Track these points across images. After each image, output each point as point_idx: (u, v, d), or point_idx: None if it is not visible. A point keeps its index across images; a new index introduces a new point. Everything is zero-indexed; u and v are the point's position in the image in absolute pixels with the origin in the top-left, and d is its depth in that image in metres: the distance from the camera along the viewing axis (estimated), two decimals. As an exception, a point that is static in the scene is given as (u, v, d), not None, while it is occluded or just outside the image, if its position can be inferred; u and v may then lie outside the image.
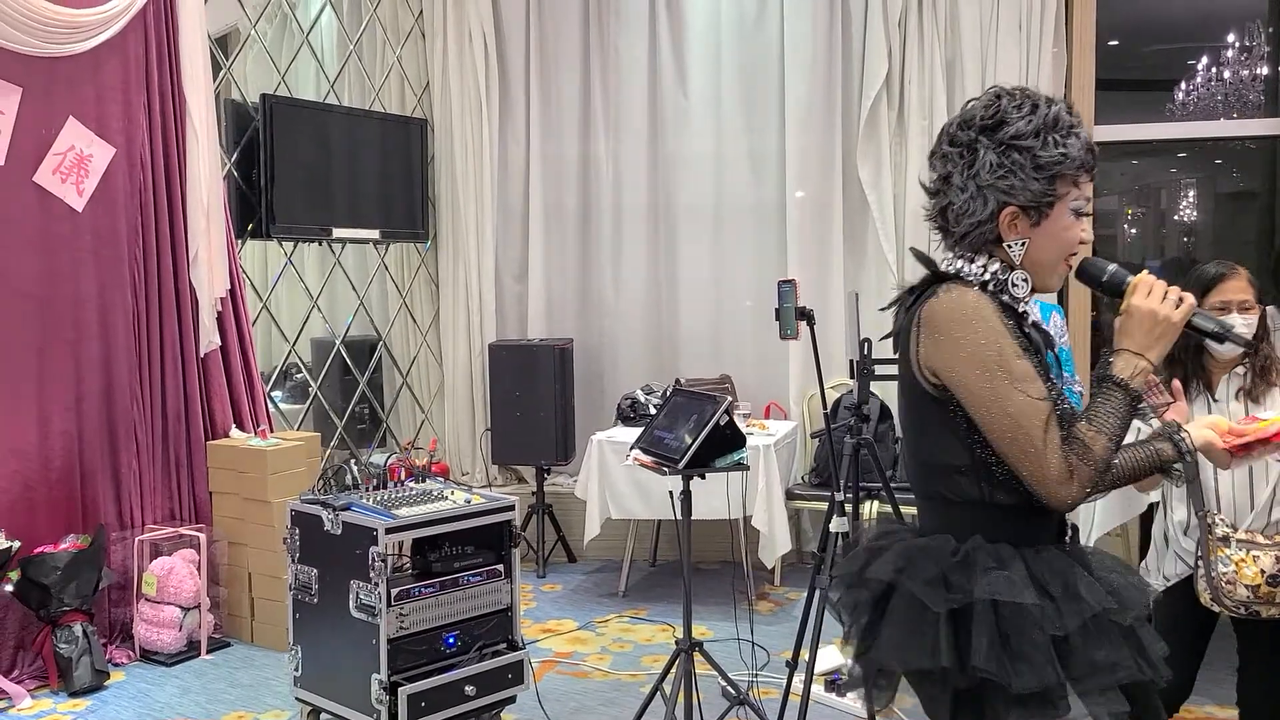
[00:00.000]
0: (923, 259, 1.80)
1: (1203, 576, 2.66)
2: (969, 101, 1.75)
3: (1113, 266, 1.78)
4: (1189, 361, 2.79)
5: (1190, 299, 1.69)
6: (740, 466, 3.29)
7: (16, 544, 3.94)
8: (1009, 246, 1.70)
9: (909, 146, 5.52)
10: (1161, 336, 1.68)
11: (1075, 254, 1.76)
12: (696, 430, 3.21)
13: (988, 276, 1.72)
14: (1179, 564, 2.82)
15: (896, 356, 1.80)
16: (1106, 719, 1.60)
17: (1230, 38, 5.94)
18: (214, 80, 4.85)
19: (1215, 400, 2.79)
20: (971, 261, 1.73)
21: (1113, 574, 1.71)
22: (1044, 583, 1.63)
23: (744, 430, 3.50)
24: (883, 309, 1.94)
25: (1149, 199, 6.79)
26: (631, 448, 3.45)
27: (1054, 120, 1.67)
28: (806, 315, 3.17)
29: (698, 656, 3.43)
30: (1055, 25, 5.32)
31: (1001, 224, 1.70)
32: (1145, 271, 1.74)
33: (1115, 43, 5.82)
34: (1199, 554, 2.67)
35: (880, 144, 5.55)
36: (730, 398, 3.36)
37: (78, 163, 4.30)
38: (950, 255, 1.77)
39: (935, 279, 1.75)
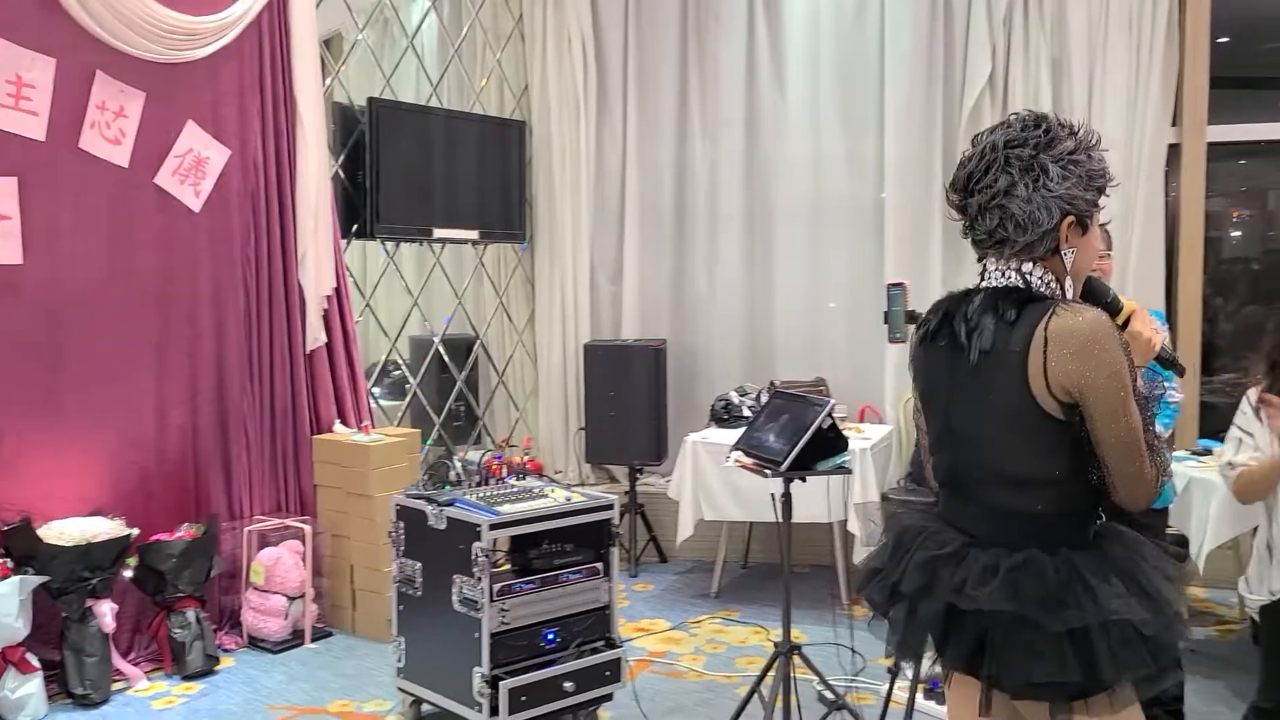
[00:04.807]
0: (1024, 279, 1.88)
1: None
2: (996, 126, 1.89)
3: (1112, 290, 1.98)
4: None
5: (1165, 332, 1.95)
6: (842, 470, 3.27)
7: (135, 531, 4.09)
8: (1065, 254, 1.85)
9: (1012, 148, 5.41)
10: (1148, 358, 1.92)
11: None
12: (799, 433, 3.19)
13: (1046, 289, 1.85)
14: None
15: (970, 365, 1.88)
16: (1174, 688, 1.92)
17: (1351, 34, 5.72)
18: (322, 84, 4.99)
19: None
20: (1031, 274, 1.86)
21: (1161, 561, 1.87)
22: (1126, 585, 1.79)
23: (843, 433, 3.48)
24: (925, 314, 2.03)
25: (1256, 201, 6.56)
26: (732, 449, 3.45)
27: (1090, 136, 1.86)
28: (915, 318, 3.12)
29: (795, 659, 3.42)
30: (1168, 22, 5.18)
31: (1062, 233, 1.83)
32: (1131, 301, 1.97)
33: (1226, 40, 5.64)
34: None
35: (982, 145, 5.45)
36: (832, 400, 3.34)
37: (196, 165, 4.46)
38: (1004, 265, 1.88)
39: (1025, 298, 1.85)
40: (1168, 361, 2.06)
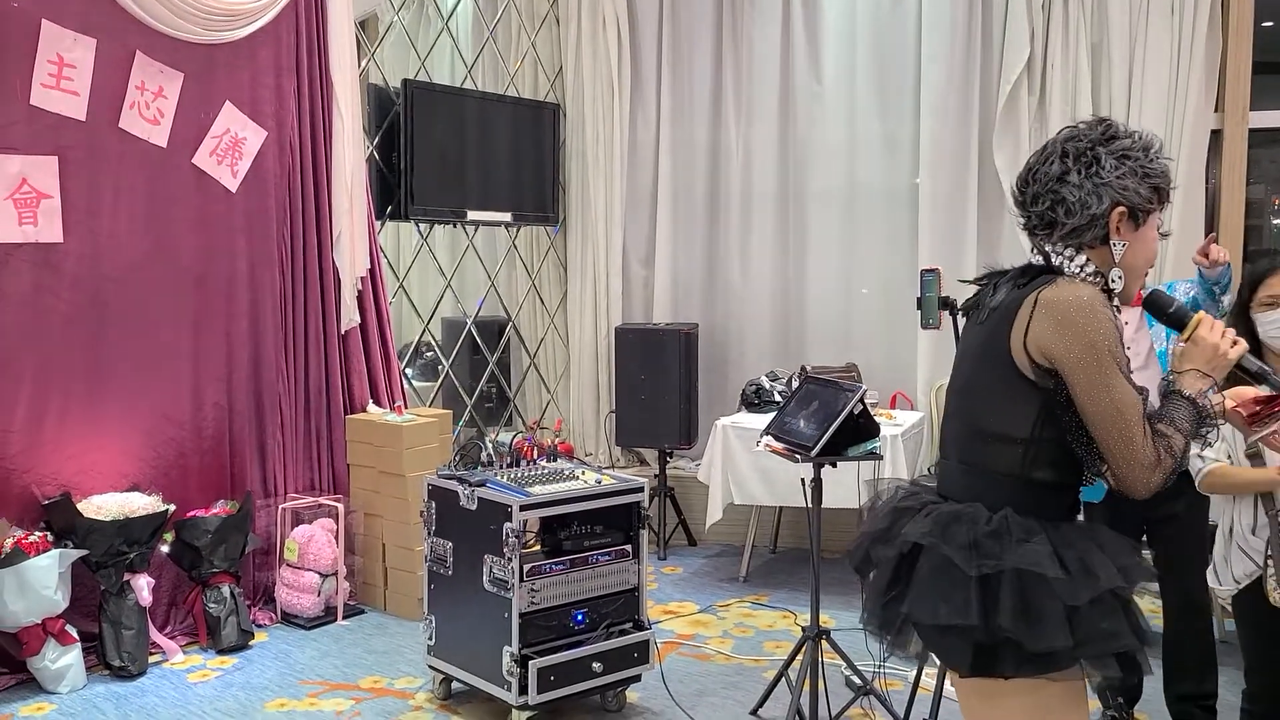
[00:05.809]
0: (1042, 254, 1.97)
1: (1273, 575, 2.67)
2: (1064, 128, 1.98)
3: (1178, 302, 2.00)
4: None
5: (1243, 343, 1.93)
6: (873, 456, 3.27)
7: (172, 507, 4.15)
8: (1114, 245, 1.89)
9: (1050, 134, 5.32)
10: (1217, 368, 1.91)
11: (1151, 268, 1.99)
12: (830, 418, 3.19)
13: (1083, 274, 1.90)
14: (1248, 564, 2.78)
15: (978, 322, 2.00)
16: (1100, 680, 1.85)
17: (1400, 18, 5.60)
18: (358, 65, 5.01)
19: None
20: (1072, 260, 1.91)
21: (1121, 554, 1.89)
22: (1063, 557, 1.83)
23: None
24: (971, 281, 2.11)
25: (1300, 189, 6.44)
26: (763, 434, 3.45)
27: (1152, 142, 1.93)
28: (949, 305, 3.11)
29: (823, 644, 3.42)
30: (1211, 5, 5.09)
31: (1111, 222, 1.88)
32: (1203, 312, 1.98)
33: (1270, 24, 5.54)
34: (1269, 553, 2.69)
35: (1019, 131, 5.39)
36: (863, 386, 3.33)
37: (233, 145, 4.50)
38: (1050, 249, 1.94)
39: (1044, 270, 1.94)
40: (1256, 376, 1.99)
